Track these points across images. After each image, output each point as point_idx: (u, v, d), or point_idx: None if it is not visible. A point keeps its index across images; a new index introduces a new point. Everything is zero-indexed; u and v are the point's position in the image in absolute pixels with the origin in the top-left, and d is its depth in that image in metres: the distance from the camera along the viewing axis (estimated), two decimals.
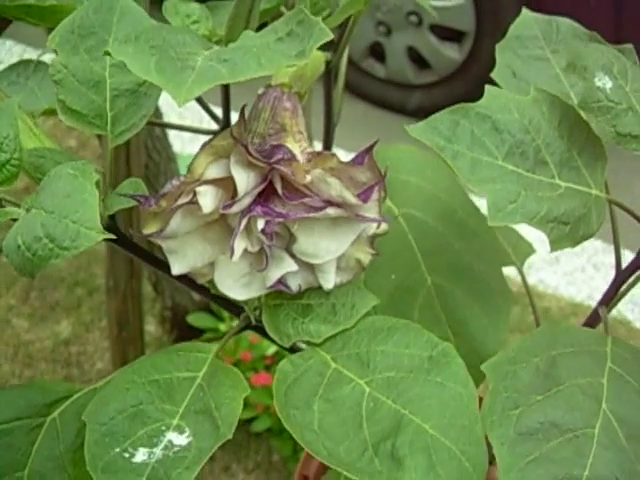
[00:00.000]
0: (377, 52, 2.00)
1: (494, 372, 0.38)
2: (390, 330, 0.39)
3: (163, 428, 0.36)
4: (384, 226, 0.39)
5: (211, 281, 0.42)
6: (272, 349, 1.27)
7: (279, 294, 0.42)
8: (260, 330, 0.43)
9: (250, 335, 1.29)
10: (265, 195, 0.37)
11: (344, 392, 0.37)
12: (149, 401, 0.37)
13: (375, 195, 0.37)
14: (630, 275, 0.48)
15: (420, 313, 0.48)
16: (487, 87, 0.42)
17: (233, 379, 0.37)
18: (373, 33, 1.94)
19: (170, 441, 0.35)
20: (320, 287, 0.41)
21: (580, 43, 0.52)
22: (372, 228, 0.38)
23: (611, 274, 0.46)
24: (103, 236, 0.31)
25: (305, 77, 0.51)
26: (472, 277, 0.48)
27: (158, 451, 0.35)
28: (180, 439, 0.35)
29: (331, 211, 0.36)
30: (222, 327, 1.31)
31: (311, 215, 0.36)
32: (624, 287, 0.47)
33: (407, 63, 1.96)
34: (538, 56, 0.53)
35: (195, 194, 0.36)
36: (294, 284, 0.40)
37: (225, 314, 1.35)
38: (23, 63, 0.61)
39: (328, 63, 0.62)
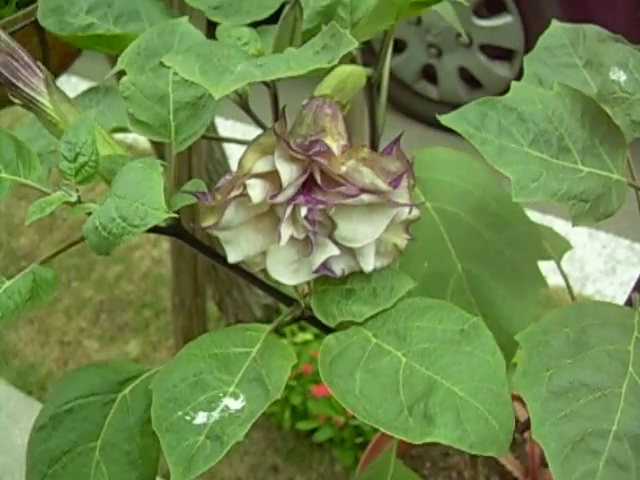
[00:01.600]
0: (429, 74, 2.04)
1: (527, 341, 0.41)
2: (425, 308, 0.43)
3: (220, 395, 0.40)
4: (416, 212, 0.43)
5: (264, 270, 0.46)
6: None
7: (325, 281, 0.46)
8: (310, 320, 0.47)
9: (311, 349, 1.33)
10: (307, 186, 0.41)
11: (383, 363, 0.41)
12: (208, 371, 0.41)
13: (404, 182, 0.41)
14: None
15: (451, 297, 0.51)
16: (513, 83, 0.46)
17: (283, 351, 0.42)
18: (425, 55, 1.98)
19: (226, 405, 0.40)
20: (362, 272, 0.45)
21: (602, 44, 0.55)
22: (404, 213, 0.42)
23: None
24: (167, 215, 0.36)
25: (346, 89, 0.56)
26: (501, 262, 0.51)
27: (216, 414, 0.39)
28: (235, 404, 0.40)
29: (365, 197, 0.40)
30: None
31: (347, 201, 0.40)
32: None
33: (459, 83, 2.00)
34: (567, 63, 0.56)
35: (245, 187, 0.41)
36: (338, 268, 0.44)
37: (287, 330, 1.40)
38: (94, 89, 0.67)
39: (369, 79, 0.67)
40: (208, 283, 1.37)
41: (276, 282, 0.46)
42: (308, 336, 1.37)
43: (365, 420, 0.37)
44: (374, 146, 0.67)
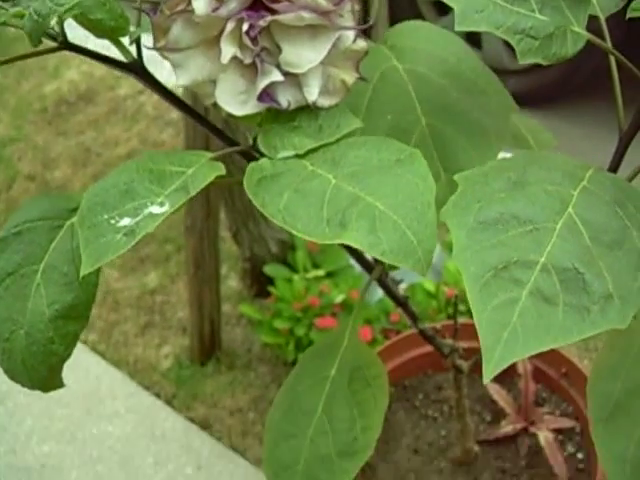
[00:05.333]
0: (474, 39, 2.01)
1: (466, 180, 0.40)
2: (367, 141, 0.42)
3: (147, 204, 0.40)
4: (362, 44, 0.42)
5: (215, 104, 0.46)
6: (340, 297, 1.30)
7: (275, 119, 0.45)
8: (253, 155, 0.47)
9: (321, 284, 1.33)
10: (252, 5, 0.41)
11: (313, 184, 0.40)
12: (140, 182, 0.41)
13: (348, 6, 0.40)
14: (632, 137, 0.49)
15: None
16: None
17: (215, 167, 0.41)
18: None
19: (150, 212, 0.39)
20: (310, 111, 0.44)
21: None
22: (348, 40, 0.41)
23: None
24: None
25: None
26: (467, 120, 0.50)
27: (138, 218, 0.39)
28: (159, 210, 0.39)
29: (306, 15, 0.39)
30: (296, 278, 1.36)
31: (288, 18, 0.39)
32: None
33: (503, 49, 1.97)
34: None
35: (190, 1, 0.41)
36: (283, 99, 0.44)
37: (300, 266, 1.40)
38: None
39: None
40: (225, 213, 1.38)
41: (229, 115, 0.45)
42: (320, 272, 1.37)
43: (283, 225, 0.37)
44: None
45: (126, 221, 0.39)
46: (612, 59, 0.47)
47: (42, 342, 0.46)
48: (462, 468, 0.93)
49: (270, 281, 1.40)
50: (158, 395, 1.38)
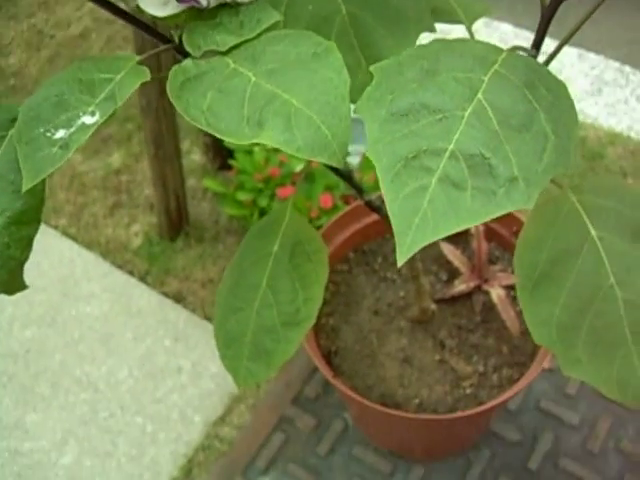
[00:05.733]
0: None
1: (380, 71, 0.42)
2: (286, 36, 0.44)
3: (80, 114, 0.42)
4: None
5: (138, 7, 0.47)
6: (299, 166, 1.32)
7: (197, 17, 0.46)
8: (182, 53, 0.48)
9: (280, 155, 1.35)
10: None
11: (234, 82, 0.42)
12: (71, 93, 0.42)
13: None
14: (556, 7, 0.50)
15: (336, 39, 0.50)
16: None
17: (140, 73, 0.43)
18: None
19: (83, 122, 0.41)
20: (232, 7, 0.45)
21: None
22: None
23: None
24: None
25: None
26: (386, 5, 0.51)
27: (73, 129, 0.41)
28: (91, 120, 0.41)
29: None
30: (256, 149, 1.37)
31: None
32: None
33: None
34: None
35: None
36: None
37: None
38: None
39: None
40: None
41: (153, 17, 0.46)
42: None
43: (203, 127, 0.39)
44: None
45: (61, 133, 0.41)
46: None
47: None
48: (420, 326, 0.98)
49: (232, 154, 1.42)
50: (131, 273, 1.43)
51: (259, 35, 0.44)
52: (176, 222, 1.44)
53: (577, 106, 1.62)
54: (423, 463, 1.15)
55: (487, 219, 0.37)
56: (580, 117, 1.61)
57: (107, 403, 1.26)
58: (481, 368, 0.96)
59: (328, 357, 0.92)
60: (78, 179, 1.61)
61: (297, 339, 0.57)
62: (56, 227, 1.54)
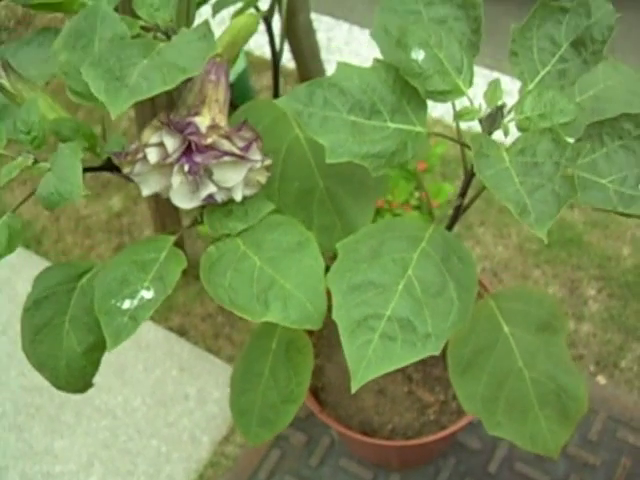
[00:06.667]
0: None
1: (343, 248, 0.60)
2: (278, 224, 0.63)
3: (139, 288, 0.61)
4: (268, 161, 0.61)
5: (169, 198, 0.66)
6: None
7: (214, 205, 0.65)
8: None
9: None
10: (187, 151, 0.60)
11: (245, 265, 0.61)
12: (131, 273, 0.61)
13: (254, 146, 0.59)
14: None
15: (317, 207, 0.69)
16: (338, 62, 0.62)
17: (179, 258, 0.62)
18: None
19: (142, 296, 0.60)
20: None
21: (442, 6, 0.69)
22: (259, 163, 0.61)
23: None
24: (84, 194, 0.55)
25: (238, 42, 0.72)
26: (352, 180, 0.70)
27: (135, 301, 0.60)
28: (148, 294, 0.60)
29: (227, 158, 0.59)
30: None
31: (214, 161, 0.59)
32: None
33: None
34: (412, 10, 0.71)
35: (145, 153, 0.59)
36: (219, 198, 0.64)
37: None
38: (46, 30, 0.82)
39: (266, 18, 0.81)
40: None
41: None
42: None
43: (227, 307, 0.58)
44: (276, 76, 0.83)
45: (127, 304, 0.60)
46: None
47: (78, 368, 0.68)
48: None
49: None
50: None
51: (260, 220, 0.63)
52: None
53: None
54: (399, 471, 1.37)
55: (411, 362, 0.57)
56: None
57: (125, 428, 1.46)
58: (442, 397, 1.16)
59: (315, 392, 1.11)
60: (83, 222, 1.79)
61: (292, 412, 0.77)
62: None
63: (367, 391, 1.16)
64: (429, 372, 1.17)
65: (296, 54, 1.50)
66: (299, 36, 1.43)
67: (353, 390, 0.55)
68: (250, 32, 0.74)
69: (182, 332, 1.57)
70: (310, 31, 1.42)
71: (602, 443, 1.33)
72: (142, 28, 0.70)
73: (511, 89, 1.71)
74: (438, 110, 1.90)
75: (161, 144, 0.59)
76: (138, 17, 0.71)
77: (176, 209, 1.56)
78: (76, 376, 0.68)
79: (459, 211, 0.69)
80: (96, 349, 0.68)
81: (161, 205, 1.50)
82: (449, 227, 0.70)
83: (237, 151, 0.58)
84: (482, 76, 1.87)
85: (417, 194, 1.55)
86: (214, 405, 1.47)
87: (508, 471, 1.37)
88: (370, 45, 1.83)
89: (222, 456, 1.40)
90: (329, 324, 0.76)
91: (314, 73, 1.51)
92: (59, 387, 0.70)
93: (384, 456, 1.31)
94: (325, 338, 1.20)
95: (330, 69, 1.78)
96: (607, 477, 1.34)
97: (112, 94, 0.53)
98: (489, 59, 1.87)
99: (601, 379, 1.39)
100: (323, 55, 1.52)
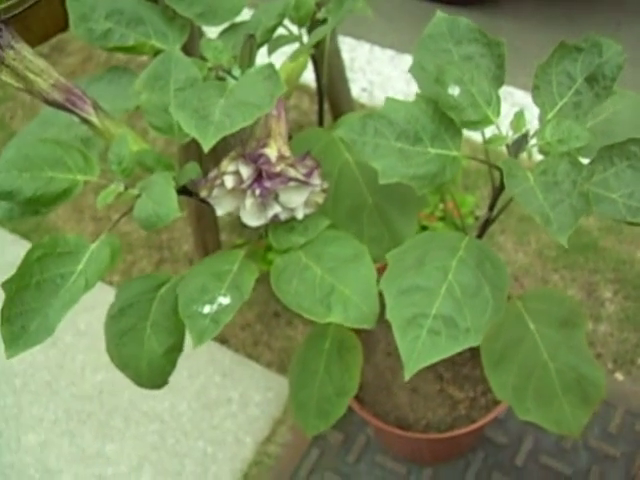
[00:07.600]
0: None
1: (392, 258, 0.70)
2: (335, 239, 0.73)
3: (217, 295, 0.71)
4: (326, 185, 0.71)
5: (239, 217, 0.76)
6: None
7: (277, 223, 0.75)
8: (270, 246, 0.77)
9: None
10: (258, 177, 0.70)
11: (308, 274, 0.71)
12: (209, 282, 0.72)
13: (316, 173, 0.69)
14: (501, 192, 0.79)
15: (367, 221, 0.80)
16: (386, 97, 0.72)
17: (252, 268, 0.72)
18: None
19: (220, 302, 0.70)
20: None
21: (469, 45, 0.79)
22: (319, 186, 0.71)
23: None
24: (179, 214, 0.65)
25: (292, 79, 0.82)
26: (397, 196, 0.80)
27: (214, 306, 0.70)
28: (225, 300, 0.70)
29: (292, 183, 0.69)
30: None
31: (282, 186, 0.69)
32: None
33: None
34: (443, 49, 0.81)
35: (223, 180, 0.70)
36: (282, 217, 0.74)
37: None
38: (115, 68, 0.92)
39: (313, 56, 0.91)
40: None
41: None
42: None
43: (295, 309, 0.68)
44: (321, 107, 0.93)
45: (207, 308, 0.70)
46: None
47: (158, 367, 0.78)
48: None
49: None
50: None
51: (318, 235, 0.73)
52: None
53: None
54: (431, 465, 1.46)
55: (455, 352, 0.66)
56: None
57: (172, 432, 1.56)
58: (472, 394, 1.25)
59: None
60: (124, 239, 1.90)
61: (345, 404, 0.87)
62: (111, 283, 1.83)
63: (401, 389, 1.25)
64: (458, 371, 1.27)
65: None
66: (328, 59, 1.54)
67: (407, 377, 0.65)
68: (302, 70, 0.84)
69: (223, 340, 1.67)
70: (338, 53, 1.52)
71: (621, 436, 1.42)
72: (208, 69, 0.81)
73: (524, 103, 1.81)
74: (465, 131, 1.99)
75: (236, 172, 0.69)
76: (204, 59, 0.81)
77: (216, 226, 1.66)
78: (156, 374, 0.78)
79: (488, 222, 0.79)
80: (174, 350, 0.78)
81: (202, 222, 1.60)
82: (479, 236, 0.80)
83: (302, 177, 0.68)
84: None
85: (441, 206, 1.64)
86: (255, 408, 1.57)
87: (534, 463, 1.46)
88: (391, 64, 1.93)
89: (265, 455, 1.49)
90: (365, 330, 0.85)
91: (341, 93, 1.61)
92: (140, 384, 0.80)
93: (417, 451, 1.40)
94: (361, 341, 1.30)
95: (354, 88, 1.88)
96: (627, 467, 1.43)
97: (202, 131, 0.62)
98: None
99: (619, 376, 1.48)
100: (347, 74, 1.62)
